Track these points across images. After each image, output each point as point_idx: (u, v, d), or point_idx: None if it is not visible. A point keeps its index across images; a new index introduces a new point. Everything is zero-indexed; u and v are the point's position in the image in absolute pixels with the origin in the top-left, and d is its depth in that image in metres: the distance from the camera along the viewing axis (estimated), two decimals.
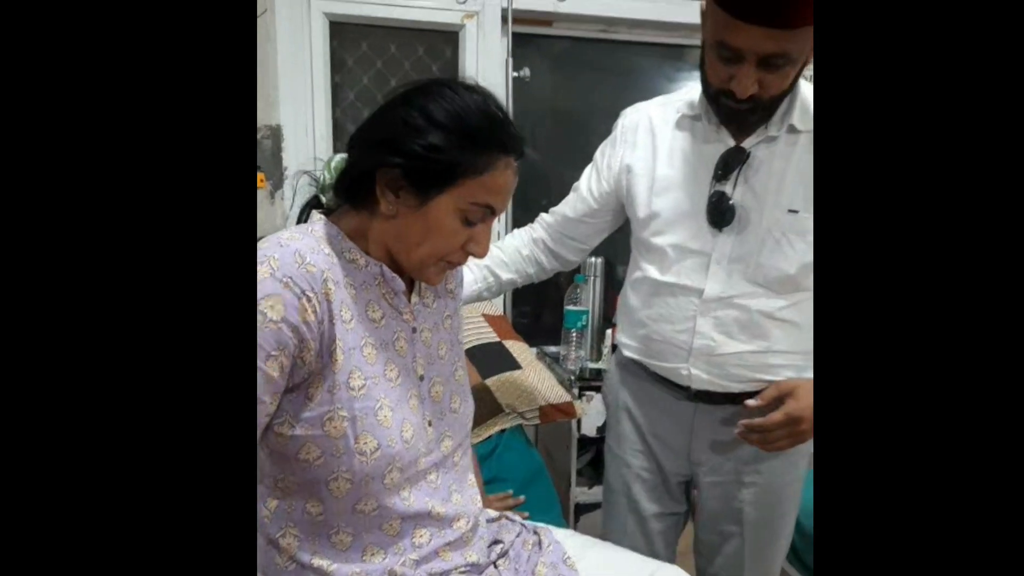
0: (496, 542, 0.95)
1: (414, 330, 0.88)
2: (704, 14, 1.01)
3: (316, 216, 0.86)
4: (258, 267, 0.72)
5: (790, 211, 1.06)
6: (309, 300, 0.74)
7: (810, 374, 1.09)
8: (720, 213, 1.08)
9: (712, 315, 1.10)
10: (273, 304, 0.71)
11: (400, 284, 0.84)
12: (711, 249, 1.09)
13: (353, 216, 0.84)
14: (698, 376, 1.13)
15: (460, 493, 0.91)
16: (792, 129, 1.07)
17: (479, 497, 0.98)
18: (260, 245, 0.76)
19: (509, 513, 1.03)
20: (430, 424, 0.87)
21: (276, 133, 1.95)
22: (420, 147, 0.76)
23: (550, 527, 1.01)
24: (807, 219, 1.05)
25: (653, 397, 1.21)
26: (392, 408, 0.81)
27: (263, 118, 1.93)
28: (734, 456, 1.17)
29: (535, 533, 0.98)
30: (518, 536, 0.97)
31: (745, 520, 1.19)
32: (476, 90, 0.80)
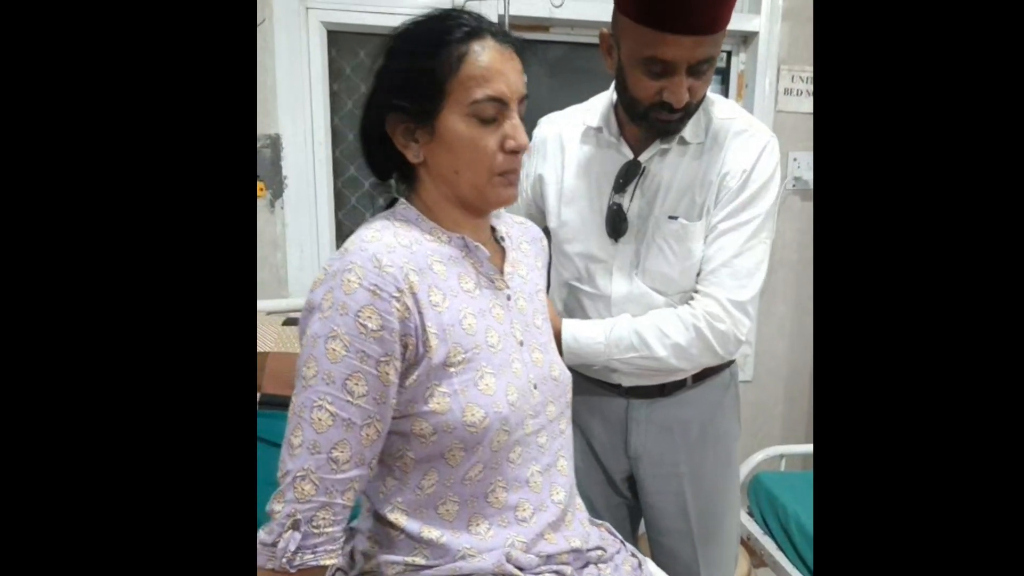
0: (598, 548, 0.95)
1: (508, 297, 0.90)
2: (616, 37, 1.05)
3: (400, 201, 0.87)
4: (347, 275, 0.75)
5: (671, 217, 1.12)
6: (398, 299, 0.76)
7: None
8: (616, 224, 1.15)
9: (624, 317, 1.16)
10: (369, 315, 0.75)
11: (484, 252, 0.87)
12: (611, 257, 1.17)
13: (416, 192, 0.86)
14: (625, 376, 1.18)
15: (564, 460, 0.94)
16: (682, 141, 1.13)
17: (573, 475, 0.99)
18: (347, 247, 0.79)
19: (608, 525, 1.04)
20: (535, 387, 0.89)
21: (275, 142, 1.96)
22: (400, 80, 0.79)
23: (648, 560, 1.01)
24: (687, 225, 1.12)
25: (588, 397, 1.25)
26: (495, 374, 0.83)
27: (262, 127, 1.93)
28: (671, 444, 1.23)
29: (634, 556, 0.99)
30: (618, 552, 0.98)
31: (690, 511, 1.24)
32: (429, 8, 0.83)
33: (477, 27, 0.80)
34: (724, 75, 2.31)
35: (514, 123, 0.82)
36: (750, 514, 1.99)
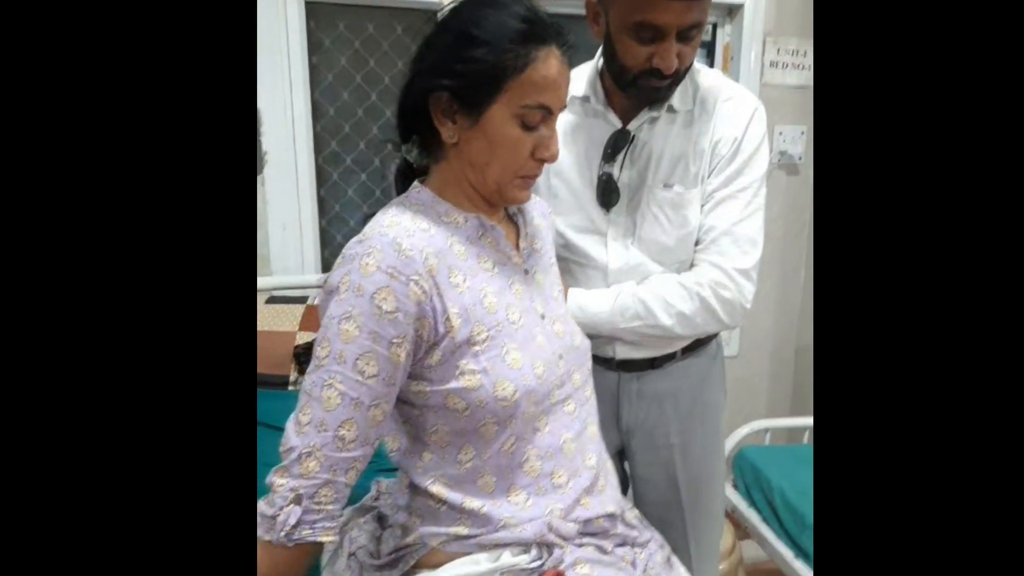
0: (633, 527, 0.97)
1: (526, 272, 0.91)
2: (604, 4, 1.05)
3: (414, 185, 0.88)
4: (365, 258, 0.76)
5: (665, 186, 1.13)
6: (416, 283, 0.77)
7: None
8: (608, 194, 1.14)
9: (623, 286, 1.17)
10: (385, 296, 0.76)
11: (500, 231, 0.88)
12: (605, 228, 1.16)
13: (436, 168, 0.87)
14: (622, 347, 1.20)
15: (593, 425, 0.96)
16: (671, 109, 1.13)
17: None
18: (366, 233, 0.80)
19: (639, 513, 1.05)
20: (560, 358, 0.90)
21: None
22: (458, 62, 0.78)
23: (675, 557, 1.02)
24: (682, 193, 1.13)
25: None
26: (520, 348, 0.84)
27: None
28: (662, 416, 1.24)
29: (662, 548, 1.00)
30: (651, 540, 0.99)
31: (680, 481, 1.26)
32: None
33: (548, 33, 0.80)
34: (710, 48, 2.28)
35: (551, 134, 0.83)
36: (735, 487, 2.01)
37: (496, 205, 0.89)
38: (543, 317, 0.90)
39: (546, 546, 0.85)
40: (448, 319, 0.80)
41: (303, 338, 1.77)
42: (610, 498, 0.94)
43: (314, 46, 1.99)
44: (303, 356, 1.72)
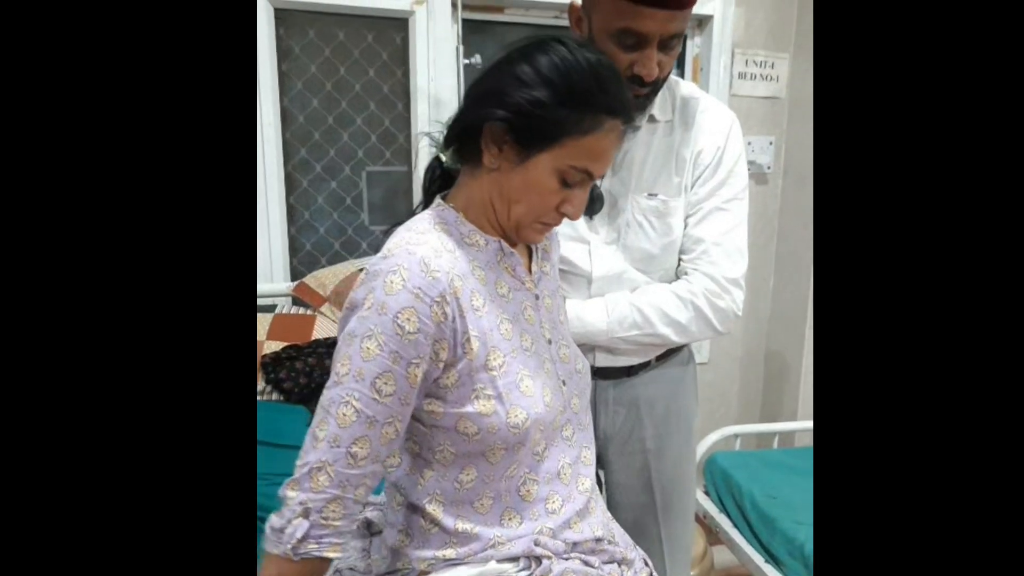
0: (619, 546, 0.97)
1: (537, 297, 0.91)
2: (587, 10, 1.06)
3: (436, 202, 0.87)
4: (391, 276, 0.76)
5: (650, 195, 1.14)
6: (439, 304, 0.77)
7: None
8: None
9: (606, 294, 1.17)
10: (408, 317, 0.75)
11: (518, 258, 0.89)
12: (589, 236, 1.17)
13: (463, 183, 0.86)
14: (602, 355, 1.20)
15: (589, 450, 0.96)
16: (652, 119, 1.15)
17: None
18: (392, 250, 0.79)
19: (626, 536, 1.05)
20: (564, 384, 0.91)
21: None
22: (526, 101, 0.77)
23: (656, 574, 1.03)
24: (666, 201, 1.15)
25: None
26: (532, 376, 0.85)
27: None
28: (638, 422, 1.25)
29: (647, 564, 1.01)
30: (636, 559, 0.99)
31: (655, 485, 1.27)
32: (590, 50, 0.80)
33: (620, 107, 0.80)
34: (680, 59, 2.31)
35: (583, 195, 0.84)
36: (707, 493, 2.02)
37: (507, 239, 0.88)
38: (550, 342, 0.91)
39: (534, 558, 0.85)
40: (468, 341, 0.80)
41: (271, 347, 1.74)
42: (599, 522, 0.94)
43: (283, 53, 1.98)
44: (270, 366, 1.70)
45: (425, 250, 0.78)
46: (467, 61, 2.02)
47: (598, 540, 0.93)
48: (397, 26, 2.05)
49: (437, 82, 2.03)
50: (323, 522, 0.77)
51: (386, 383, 0.76)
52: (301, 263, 2.05)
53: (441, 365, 0.80)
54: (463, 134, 0.84)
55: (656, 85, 1.07)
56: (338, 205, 2.12)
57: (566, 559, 0.88)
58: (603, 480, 1.33)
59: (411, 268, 0.76)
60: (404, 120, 2.12)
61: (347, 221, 2.14)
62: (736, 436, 2.10)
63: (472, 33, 2.07)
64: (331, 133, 2.07)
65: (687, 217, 1.17)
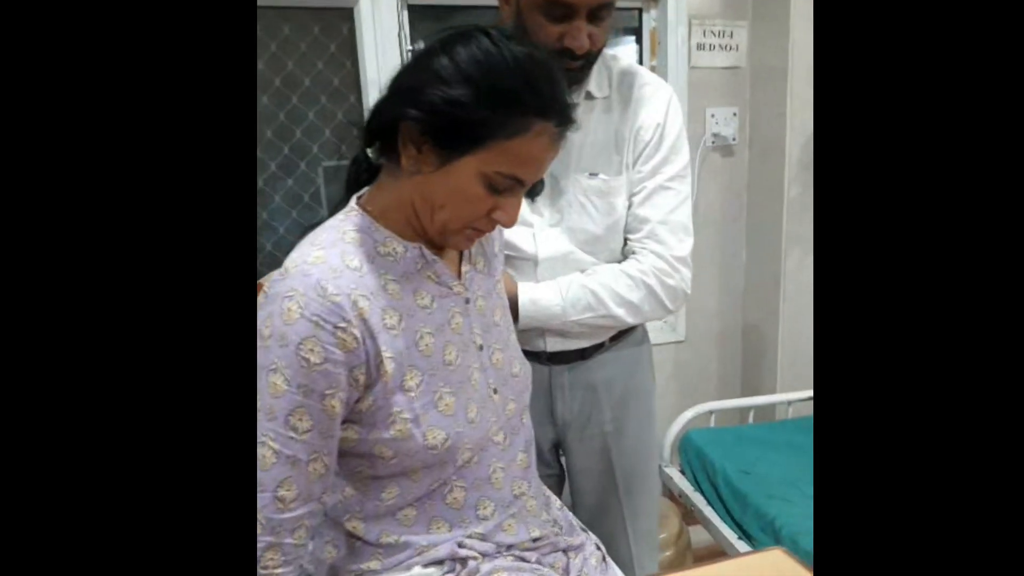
0: (563, 535, 0.94)
1: (467, 300, 0.85)
2: None
3: (351, 206, 0.80)
4: (287, 303, 0.70)
5: (591, 174, 1.13)
6: (343, 329, 0.71)
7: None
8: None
9: (552, 278, 1.15)
10: (312, 347, 0.70)
11: (442, 264, 0.82)
12: (532, 219, 1.15)
13: (384, 183, 0.80)
14: (553, 339, 1.19)
15: (526, 452, 0.92)
16: (589, 96, 1.13)
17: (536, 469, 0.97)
18: (289, 269, 0.73)
19: (572, 515, 1.03)
20: (495, 392, 0.86)
21: None
22: (442, 100, 0.70)
23: (611, 558, 1.00)
24: (607, 181, 1.13)
25: None
26: (454, 393, 0.80)
27: None
28: (596, 405, 1.25)
29: (599, 548, 0.98)
30: (585, 544, 0.97)
31: (615, 466, 1.27)
32: (520, 42, 0.73)
33: (550, 109, 0.72)
34: (637, 33, 2.27)
35: (515, 202, 0.77)
36: (681, 472, 2.00)
37: (432, 244, 0.81)
38: (481, 348, 0.86)
39: (459, 560, 0.83)
40: (381, 363, 0.75)
41: None
42: (538, 522, 0.91)
43: (259, 50, 1.94)
44: None
45: (321, 271, 0.72)
46: (412, 48, 1.99)
47: (536, 540, 0.90)
48: (343, 16, 2.01)
49: (387, 72, 1.99)
50: (264, 573, 0.72)
51: (300, 419, 0.71)
52: (262, 263, 2.03)
53: (362, 389, 0.75)
54: (380, 132, 0.77)
55: (589, 58, 1.05)
56: (296, 203, 2.10)
57: (496, 557, 0.86)
58: (564, 467, 1.31)
59: (307, 293, 0.70)
60: (357, 112, 2.09)
61: (307, 219, 2.11)
62: (711, 412, 2.08)
63: (420, 20, 2.03)
64: (284, 130, 2.04)
65: (631, 196, 1.15)
